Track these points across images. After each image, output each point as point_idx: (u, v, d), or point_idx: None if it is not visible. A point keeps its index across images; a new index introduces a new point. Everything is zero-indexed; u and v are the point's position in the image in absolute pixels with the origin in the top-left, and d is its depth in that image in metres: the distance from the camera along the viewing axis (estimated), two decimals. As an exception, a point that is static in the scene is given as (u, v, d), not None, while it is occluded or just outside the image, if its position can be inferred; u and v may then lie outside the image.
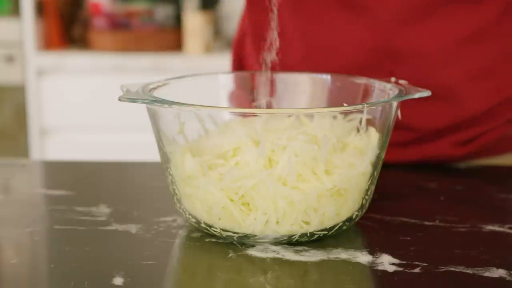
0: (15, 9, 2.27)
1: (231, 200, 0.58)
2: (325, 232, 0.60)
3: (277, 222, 0.58)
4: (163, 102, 0.59)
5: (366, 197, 0.64)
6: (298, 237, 0.59)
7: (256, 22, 0.89)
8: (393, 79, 0.68)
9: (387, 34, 0.81)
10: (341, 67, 0.80)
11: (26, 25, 2.18)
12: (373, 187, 0.64)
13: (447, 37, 0.81)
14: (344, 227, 0.62)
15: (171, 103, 0.59)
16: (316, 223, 0.59)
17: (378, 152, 0.63)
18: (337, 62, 0.83)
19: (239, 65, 1.01)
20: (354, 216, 0.62)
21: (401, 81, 0.68)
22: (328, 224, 0.60)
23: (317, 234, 0.60)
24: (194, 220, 0.62)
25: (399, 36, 0.81)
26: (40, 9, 2.23)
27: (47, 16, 2.25)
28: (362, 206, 0.63)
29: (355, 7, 0.82)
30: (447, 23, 0.81)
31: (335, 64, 0.82)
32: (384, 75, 0.72)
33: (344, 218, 0.61)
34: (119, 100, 0.59)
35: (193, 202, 0.61)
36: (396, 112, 0.63)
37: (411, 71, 0.80)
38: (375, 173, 0.64)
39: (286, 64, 0.74)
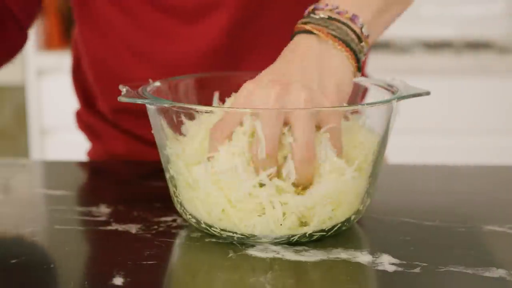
0: (15, 9, 2.27)
1: (230, 202, 0.58)
2: (324, 233, 0.60)
3: (276, 224, 0.58)
4: (163, 102, 0.59)
5: (366, 197, 0.63)
6: (298, 238, 0.59)
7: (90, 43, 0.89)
8: (392, 78, 0.68)
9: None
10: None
11: (26, 25, 2.18)
12: (373, 187, 0.64)
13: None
14: (344, 228, 0.62)
15: (171, 103, 0.59)
16: (315, 224, 0.59)
17: (378, 152, 0.63)
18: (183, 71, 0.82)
19: (77, 66, 0.97)
20: (353, 217, 0.62)
21: (401, 81, 0.68)
22: (327, 225, 0.60)
23: (317, 234, 0.60)
24: (194, 220, 0.62)
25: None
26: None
27: (47, 16, 2.25)
28: (361, 206, 0.63)
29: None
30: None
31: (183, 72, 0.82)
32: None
33: (343, 219, 0.61)
34: (119, 100, 0.59)
35: (193, 202, 0.61)
36: (396, 112, 0.63)
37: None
38: (375, 174, 0.64)
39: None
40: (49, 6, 2.24)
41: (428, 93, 0.63)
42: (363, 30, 0.62)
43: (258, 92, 0.58)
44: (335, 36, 0.61)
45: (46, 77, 2.16)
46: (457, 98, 2.06)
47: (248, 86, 0.59)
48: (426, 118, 2.05)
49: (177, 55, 0.85)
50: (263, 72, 0.61)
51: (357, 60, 0.63)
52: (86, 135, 0.98)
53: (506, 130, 2.09)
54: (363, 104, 0.59)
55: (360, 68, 0.63)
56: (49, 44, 2.26)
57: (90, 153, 0.98)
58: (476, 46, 2.24)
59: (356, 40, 0.62)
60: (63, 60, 2.14)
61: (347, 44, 0.61)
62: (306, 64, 0.60)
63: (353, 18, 0.62)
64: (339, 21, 0.62)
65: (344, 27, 0.62)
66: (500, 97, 2.07)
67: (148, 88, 0.65)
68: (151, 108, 0.62)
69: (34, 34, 2.18)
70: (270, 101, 0.57)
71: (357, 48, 0.62)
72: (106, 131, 0.95)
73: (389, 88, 0.66)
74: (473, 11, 2.34)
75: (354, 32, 0.62)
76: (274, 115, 0.56)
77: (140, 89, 0.63)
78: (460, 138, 2.09)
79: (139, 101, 0.59)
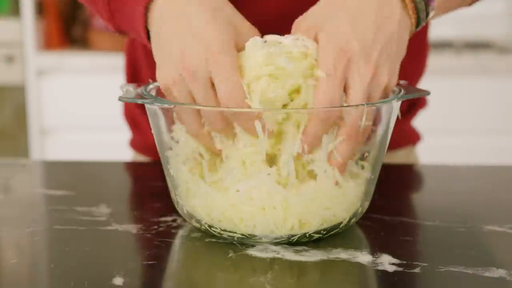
0: (15, 9, 2.27)
1: (230, 202, 0.58)
2: (325, 233, 0.60)
3: (276, 224, 0.58)
4: (163, 102, 0.59)
5: (366, 197, 0.63)
6: (298, 238, 0.59)
7: None
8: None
9: None
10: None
11: (26, 25, 2.18)
12: (373, 187, 0.64)
13: None
14: (344, 228, 0.62)
15: (171, 103, 0.59)
16: (315, 224, 0.59)
17: (378, 152, 0.62)
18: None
19: (132, 68, 0.96)
20: (353, 217, 0.62)
21: (401, 82, 0.68)
22: (327, 225, 0.60)
23: (317, 234, 0.60)
24: (194, 220, 0.62)
25: None
26: (40, 9, 2.23)
27: (47, 16, 2.25)
28: (361, 206, 0.63)
29: None
30: None
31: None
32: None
33: (343, 219, 0.61)
34: (119, 100, 0.59)
35: (193, 203, 0.61)
36: (396, 112, 0.63)
37: None
38: (375, 173, 0.64)
39: None
40: (49, 6, 2.24)
41: (428, 93, 0.63)
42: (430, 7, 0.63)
43: (354, 66, 0.58)
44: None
45: (46, 77, 2.16)
46: (457, 98, 2.06)
47: (340, 50, 0.58)
48: (426, 118, 2.04)
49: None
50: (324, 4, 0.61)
51: (418, 22, 0.63)
52: (128, 124, 0.98)
53: (506, 130, 2.09)
54: (363, 104, 0.58)
55: (419, 24, 0.64)
56: (49, 44, 2.26)
57: (131, 143, 0.98)
58: (476, 46, 2.24)
59: (424, 8, 0.63)
60: (63, 60, 2.14)
61: (416, 8, 0.62)
62: (365, 17, 0.59)
63: None
64: None
65: None
66: (500, 97, 2.07)
67: (149, 88, 0.65)
68: (151, 108, 0.62)
69: (34, 34, 2.18)
70: (365, 81, 0.58)
71: (422, 15, 0.62)
72: (145, 121, 0.94)
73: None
74: (473, 11, 2.34)
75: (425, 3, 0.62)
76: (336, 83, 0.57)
77: (140, 89, 0.63)
78: (460, 138, 2.09)
79: (139, 101, 0.59)
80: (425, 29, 0.89)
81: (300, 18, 0.62)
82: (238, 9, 0.63)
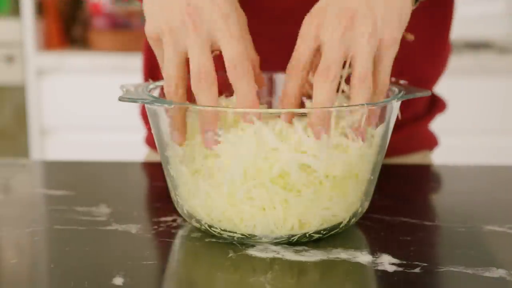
0: (15, 9, 2.27)
1: (230, 202, 0.58)
2: (325, 233, 0.60)
3: (276, 224, 0.58)
4: (163, 102, 0.59)
5: (366, 197, 0.64)
6: (298, 238, 0.59)
7: None
8: (393, 79, 0.68)
9: None
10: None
11: (26, 25, 2.18)
12: (372, 187, 0.64)
13: None
14: (344, 228, 0.62)
15: (171, 103, 0.59)
16: (315, 224, 0.59)
17: (378, 152, 0.62)
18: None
19: (150, 67, 0.95)
20: (353, 217, 0.62)
21: (401, 81, 0.68)
22: (327, 225, 0.60)
23: (317, 234, 0.60)
24: (194, 221, 0.62)
25: None
26: (40, 9, 2.23)
27: (47, 16, 2.25)
28: (361, 206, 0.63)
29: None
30: None
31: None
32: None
33: (343, 219, 0.61)
34: (119, 100, 0.59)
35: (193, 203, 0.61)
36: (396, 112, 0.63)
37: None
38: (375, 173, 0.64)
39: None
40: (49, 6, 2.24)
41: (428, 93, 0.63)
42: None
43: (327, 22, 0.57)
44: None
45: (46, 77, 2.16)
46: (457, 98, 2.06)
47: (316, 15, 0.59)
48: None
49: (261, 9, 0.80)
50: (325, 1, 0.60)
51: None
52: (143, 121, 0.97)
53: (506, 130, 2.09)
54: (364, 104, 0.58)
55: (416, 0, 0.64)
56: (49, 44, 2.26)
57: (146, 140, 0.98)
58: (476, 46, 2.24)
59: None
60: (63, 60, 2.14)
61: None
62: None
63: None
64: None
65: None
66: (500, 97, 2.07)
67: (149, 88, 0.65)
68: (151, 108, 0.62)
69: (34, 34, 2.18)
70: (338, 32, 0.57)
71: None
72: None
73: (390, 87, 0.66)
74: (473, 11, 2.34)
75: None
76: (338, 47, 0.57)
77: (140, 89, 0.63)
78: (460, 138, 2.09)
79: (139, 101, 0.59)
80: (447, 29, 0.88)
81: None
82: (243, 5, 0.63)
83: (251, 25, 0.63)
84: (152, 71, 0.94)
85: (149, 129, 0.95)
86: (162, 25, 0.58)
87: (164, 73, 0.59)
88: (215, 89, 0.57)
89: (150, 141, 0.96)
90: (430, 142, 0.93)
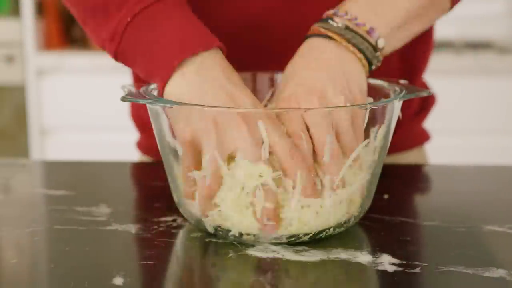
0: (15, 9, 2.27)
1: (230, 203, 0.58)
2: (324, 233, 0.60)
3: (281, 223, 0.58)
4: (165, 102, 0.59)
5: (367, 197, 0.63)
6: (298, 238, 0.59)
7: None
8: (393, 79, 0.68)
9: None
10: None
11: (26, 25, 2.18)
12: (373, 188, 0.64)
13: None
14: (344, 228, 0.62)
15: (172, 103, 0.59)
16: (315, 224, 0.59)
17: (379, 152, 0.62)
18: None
19: None
20: (353, 217, 0.62)
21: (401, 81, 0.68)
22: (327, 224, 0.60)
23: (316, 234, 0.60)
24: (194, 221, 0.62)
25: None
26: (40, 9, 2.23)
27: (47, 16, 2.25)
28: (361, 206, 0.63)
29: None
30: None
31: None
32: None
33: (344, 219, 0.61)
34: (122, 100, 0.59)
35: (193, 203, 0.61)
36: (397, 112, 0.63)
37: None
38: (376, 174, 0.64)
39: None
40: (49, 6, 2.24)
41: (429, 93, 0.63)
42: (378, 42, 0.65)
43: (300, 104, 0.60)
44: (353, 44, 0.64)
45: (46, 77, 2.16)
46: (457, 98, 2.06)
47: (285, 99, 0.61)
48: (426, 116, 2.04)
49: (230, 16, 0.80)
50: (289, 79, 0.62)
51: (369, 65, 0.65)
52: (135, 126, 0.97)
53: (506, 130, 2.09)
54: (364, 104, 0.58)
55: (370, 72, 0.66)
56: (49, 44, 2.26)
57: (138, 145, 0.98)
58: (476, 46, 2.24)
59: (371, 49, 0.65)
60: (63, 60, 2.14)
61: (362, 52, 0.64)
62: (334, 72, 0.62)
63: (369, 31, 0.65)
64: (356, 32, 0.64)
65: (360, 38, 0.64)
66: (500, 97, 2.07)
67: (150, 88, 0.64)
68: (152, 109, 0.62)
69: (34, 34, 2.18)
70: (323, 126, 0.58)
71: (371, 56, 0.65)
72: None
73: (390, 87, 0.66)
74: (473, 11, 2.34)
75: (370, 43, 0.64)
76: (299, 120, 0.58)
77: (142, 89, 0.63)
78: (460, 138, 2.09)
79: (141, 101, 0.59)
80: (430, 28, 0.89)
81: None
82: (219, 8, 0.63)
83: (225, 35, 0.66)
84: None
85: (142, 134, 0.96)
86: (197, 128, 0.59)
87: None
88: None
89: (142, 146, 0.96)
90: (423, 137, 0.94)
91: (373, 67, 0.66)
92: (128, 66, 0.69)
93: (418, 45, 0.85)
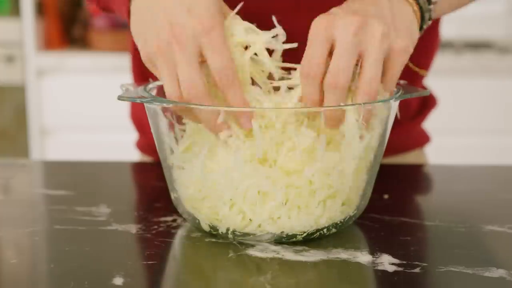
0: (15, 9, 2.27)
1: (229, 202, 0.59)
2: (323, 232, 0.60)
3: (277, 223, 0.58)
4: (163, 101, 0.59)
5: (364, 197, 0.63)
6: (298, 238, 0.59)
7: None
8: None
9: None
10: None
11: (26, 25, 2.18)
12: (370, 188, 0.64)
13: None
14: (339, 228, 0.62)
15: (170, 102, 0.59)
16: (314, 224, 0.59)
17: (375, 152, 0.62)
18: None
19: (139, 66, 0.92)
20: (351, 215, 0.62)
21: (401, 81, 0.68)
22: (326, 224, 0.60)
23: (316, 234, 0.60)
24: (194, 221, 0.62)
25: None
26: (40, 9, 2.23)
27: (47, 16, 2.25)
28: (359, 206, 0.63)
29: None
30: None
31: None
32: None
33: (342, 219, 0.61)
34: (119, 99, 0.59)
35: (192, 202, 0.61)
36: (394, 111, 0.63)
37: None
38: (372, 173, 0.64)
39: None
40: (49, 6, 2.24)
41: (428, 93, 0.63)
42: None
43: (339, 21, 0.58)
44: None
45: (46, 77, 2.16)
46: (457, 98, 2.06)
47: (325, 17, 0.59)
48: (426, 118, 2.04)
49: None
50: (336, 8, 0.61)
51: (422, 19, 0.64)
52: (134, 126, 0.97)
53: (506, 130, 2.09)
54: (363, 103, 0.58)
55: (422, 28, 0.65)
56: (49, 44, 2.25)
57: (137, 144, 0.98)
58: (476, 46, 2.24)
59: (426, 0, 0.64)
60: (63, 60, 2.14)
61: (417, 1, 0.63)
62: (380, 6, 0.60)
63: None
64: None
65: None
66: (500, 97, 2.07)
67: (148, 87, 0.64)
68: (150, 108, 0.62)
69: (34, 34, 2.18)
70: (351, 29, 0.57)
71: (425, 7, 0.64)
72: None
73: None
74: (473, 11, 2.34)
75: None
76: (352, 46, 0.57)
77: (140, 88, 0.63)
78: (460, 138, 2.09)
79: (138, 100, 0.59)
80: (437, 19, 0.88)
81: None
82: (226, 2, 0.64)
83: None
84: (142, 70, 0.94)
85: (141, 134, 0.95)
86: (153, 49, 0.59)
87: (166, 92, 0.60)
88: (208, 99, 0.58)
89: (142, 146, 0.96)
90: (423, 139, 0.94)
91: (425, 26, 0.65)
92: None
93: (421, 48, 0.85)
